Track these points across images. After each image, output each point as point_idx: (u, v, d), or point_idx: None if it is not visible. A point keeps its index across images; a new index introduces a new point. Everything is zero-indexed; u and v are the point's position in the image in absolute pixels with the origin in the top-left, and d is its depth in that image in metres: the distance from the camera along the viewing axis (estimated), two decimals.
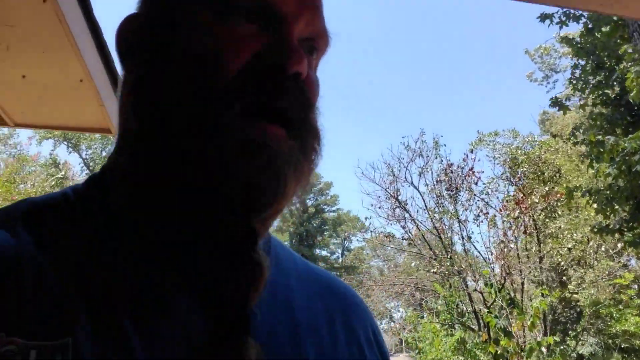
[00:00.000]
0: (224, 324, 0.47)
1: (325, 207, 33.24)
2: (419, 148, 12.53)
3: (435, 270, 11.45)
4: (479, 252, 11.75)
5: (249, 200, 0.49)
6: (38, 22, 1.78)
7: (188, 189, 0.49)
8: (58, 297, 0.45)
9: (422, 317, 12.38)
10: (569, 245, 12.41)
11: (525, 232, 11.52)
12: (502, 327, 7.85)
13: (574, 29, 12.96)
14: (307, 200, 32.43)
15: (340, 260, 32.41)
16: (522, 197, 11.63)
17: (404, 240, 13.39)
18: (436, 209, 12.35)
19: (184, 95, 0.50)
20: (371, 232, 14.73)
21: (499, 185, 13.27)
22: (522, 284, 10.77)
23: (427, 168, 12.47)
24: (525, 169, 13.62)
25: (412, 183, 12.55)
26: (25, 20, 1.79)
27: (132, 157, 0.53)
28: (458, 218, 11.77)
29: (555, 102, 10.90)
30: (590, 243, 12.44)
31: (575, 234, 12.48)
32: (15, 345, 0.42)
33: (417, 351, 11.06)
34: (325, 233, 32.60)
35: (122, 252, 0.50)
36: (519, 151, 14.09)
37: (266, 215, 0.52)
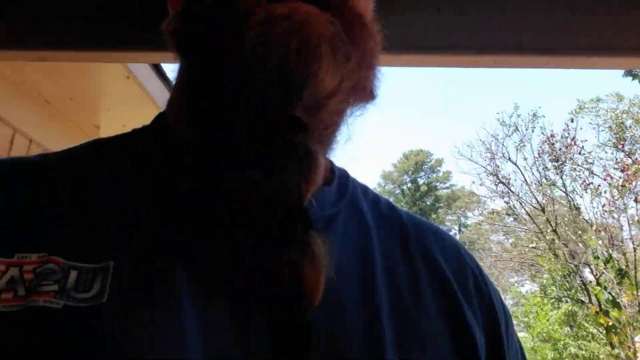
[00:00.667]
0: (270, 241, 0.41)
1: (437, 184, 32.96)
2: (514, 123, 12.46)
3: (534, 245, 11.41)
4: (587, 222, 11.51)
5: (280, 82, 0.43)
6: (126, 90, 2.34)
7: (231, 85, 0.45)
8: (107, 222, 0.45)
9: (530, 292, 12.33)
10: None
11: (636, 200, 11.12)
12: (611, 298, 7.80)
13: None
14: (419, 179, 32.46)
15: (457, 236, 32.10)
16: (629, 164, 11.21)
17: (508, 216, 13.37)
18: (541, 182, 12.23)
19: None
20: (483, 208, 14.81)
21: (605, 152, 12.81)
22: (634, 252, 10.46)
23: (524, 142, 12.38)
24: (633, 133, 12.98)
25: (509, 159, 12.51)
26: (117, 89, 2.33)
27: (186, 72, 0.52)
28: (565, 189, 11.60)
29: (629, 72, 10.43)
30: None
31: None
32: (56, 264, 0.42)
33: (524, 325, 11.09)
34: (439, 210, 32.35)
35: (177, 190, 0.48)
36: (625, 115, 13.41)
37: (310, 103, 0.44)
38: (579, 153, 11.99)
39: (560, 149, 12.01)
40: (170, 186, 0.48)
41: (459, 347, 0.49)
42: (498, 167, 12.67)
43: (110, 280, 0.42)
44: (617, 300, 7.87)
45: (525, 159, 12.38)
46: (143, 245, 0.44)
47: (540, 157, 12.25)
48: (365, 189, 0.59)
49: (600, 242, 10.29)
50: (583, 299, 10.28)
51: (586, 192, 11.60)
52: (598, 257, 8.65)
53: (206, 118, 0.47)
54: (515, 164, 12.45)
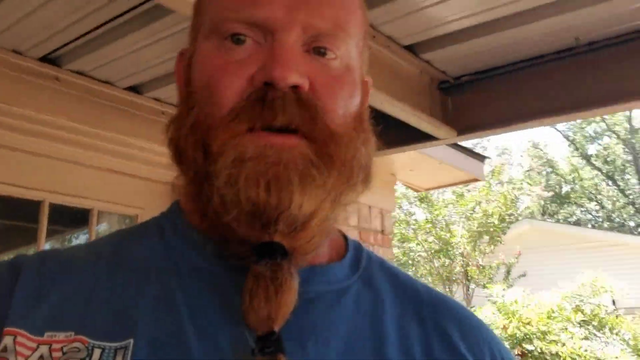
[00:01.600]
0: (260, 340, 0.45)
1: None
2: None
3: None
4: None
5: (255, 215, 0.47)
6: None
7: (212, 205, 0.49)
8: (124, 303, 0.49)
9: None
10: None
11: None
12: None
13: None
14: None
15: None
16: None
17: None
18: None
19: (195, 128, 0.51)
20: None
21: None
22: None
23: None
24: None
25: None
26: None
27: (184, 179, 0.55)
28: None
29: None
30: None
31: None
32: (82, 343, 0.46)
33: None
34: None
35: (183, 265, 0.52)
36: None
37: (288, 229, 0.48)
38: None
39: None
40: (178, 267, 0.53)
41: None
42: None
43: (130, 356, 0.45)
44: None
45: None
46: (159, 321, 0.48)
47: None
48: (382, 262, 0.62)
49: None
50: None
51: None
52: None
53: (210, 226, 0.52)
54: None
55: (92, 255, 0.54)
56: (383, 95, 2.01)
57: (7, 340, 0.47)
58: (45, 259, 0.54)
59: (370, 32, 1.96)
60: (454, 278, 12.82)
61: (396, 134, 2.35)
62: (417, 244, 14.26)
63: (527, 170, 17.57)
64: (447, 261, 13.48)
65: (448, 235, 13.19)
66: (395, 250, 15.04)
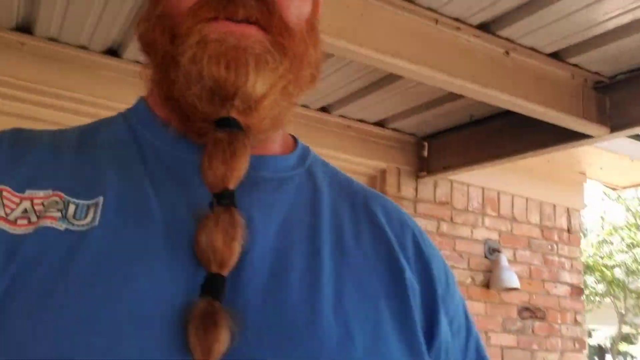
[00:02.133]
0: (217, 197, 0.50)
1: None
2: None
3: None
4: None
5: (214, 91, 0.52)
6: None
7: (175, 85, 0.54)
8: (93, 170, 0.54)
9: None
10: None
11: None
12: None
13: None
14: None
15: None
16: None
17: None
18: None
19: (163, 18, 0.57)
20: None
21: None
22: None
23: None
24: None
25: None
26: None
27: (151, 68, 0.60)
28: None
29: None
30: None
31: None
32: (59, 198, 0.51)
33: None
34: None
35: (148, 140, 0.58)
36: None
37: (243, 106, 0.53)
38: None
39: None
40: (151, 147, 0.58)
41: (391, 284, 0.56)
42: None
43: (100, 211, 0.51)
44: None
45: None
46: (125, 182, 0.54)
47: None
48: (324, 163, 0.68)
49: None
50: None
51: None
52: None
53: (173, 107, 0.57)
54: None
55: (62, 133, 0.61)
56: (529, 104, 2.20)
57: None
58: (21, 131, 0.60)
59: (510, 46, 2.17)
60: None
61: (549, 135, 2.48)
62: None
63: None
64: None
65: None
66: (624, 257, 13.59)
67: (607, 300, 14.45)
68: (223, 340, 0.45)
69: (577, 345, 3.84)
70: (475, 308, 3.47)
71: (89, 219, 0.50)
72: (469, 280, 3.47)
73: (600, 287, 14.53)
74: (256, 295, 0.49)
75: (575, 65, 2.27)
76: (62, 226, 0.49)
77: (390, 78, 2.52)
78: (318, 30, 0.63)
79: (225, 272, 0.47)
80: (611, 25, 1.99)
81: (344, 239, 0.57)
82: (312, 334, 0.49)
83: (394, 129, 3.22)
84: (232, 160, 0.51)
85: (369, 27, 1.94)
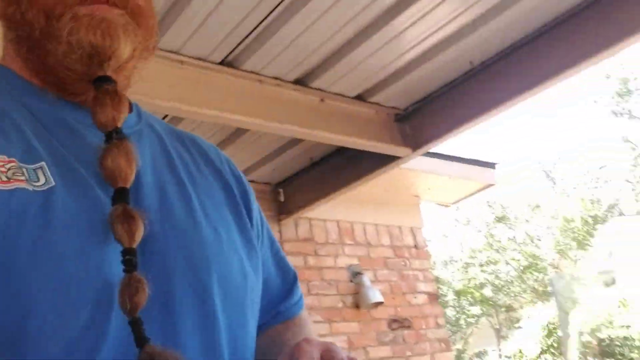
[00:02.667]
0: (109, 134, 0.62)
1: None
2: None
3: None
4: None
5: (92, 55, 0.63)
6: None
7: (54, 54, 0.64)
8: (21, 137, 0.61)
9: None
10: None
11: None
12: None
13: None
14: None
15: None
16: None
17: None
18: None
19: (34, 2, 0.65)
20: None
21: None
22: None
23: None
24: None
25: None
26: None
27: (18, 42, 0.69)
28: None
29: None
30: None
31: None
32: (15, 164, 0.58)
33: None
34: None
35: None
36: None
37: (115, 65, 0.64)
38: None
39: None
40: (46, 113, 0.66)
41: (227, 195, 0.77)
42: None
43: (48, 172, 0.59)
44: None
45: None
46: (49, 150, 0.62)
47: None
48: (153, 115, 0.82)
49: None
50: None
51: None
52: None
53: (48, 74, 0.67)
54: None
55: None
56: (347, 138, 2.75)
57: None
58: None
59: (323, 94, 2.73)
60: (550, 291, 12.63)
61: (373, 162, 3.07)
62: (507, 264, 14.18)
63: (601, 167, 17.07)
64: (539, 275, 13.30)
65: (534, 249, 13.09)
66: (484, 274, 15.01)
67: (483, 319, 15.68)
68: (140, 229, 0.58)
69: (443, 345, 4.38)
70: (351, 328, 3.88)
71: (42, 179, 0.59)
72: (340, 304, 3.89)
73: (475, 310, 15.75)
74: (153, 205, 0.65)
75: (376, 103, 2.88)
76: (30, 187, 0.57)
77: (237, 133, 2.96)
78: (152, 2, 0.74)
79: (128, 185, 0.60)
80: (400, 63, 2.60)
81: (190, 169, 0.75)
82: (198, 235, 0.67)
83: (251, 181, 3.62)
84: (119, 104, 0.64)
85: (208, 92, 2.38)
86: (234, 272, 0.69)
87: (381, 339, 4.01)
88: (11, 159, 0.59)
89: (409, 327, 4.21)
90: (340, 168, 3.31)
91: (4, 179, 0.57)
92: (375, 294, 3.91)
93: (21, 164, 0.59)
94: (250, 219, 0.79)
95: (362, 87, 2.77)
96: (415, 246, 4.49)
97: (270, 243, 0.85)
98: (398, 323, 4.17)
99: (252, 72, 2.50)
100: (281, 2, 2.11)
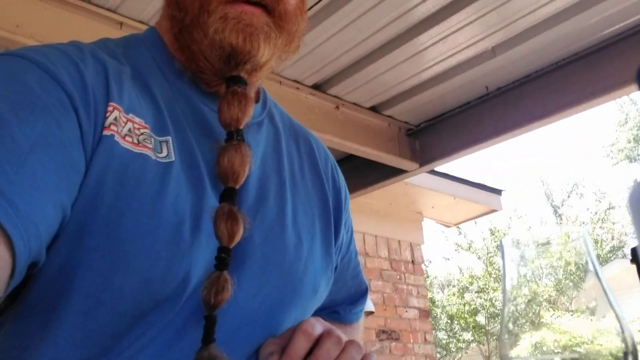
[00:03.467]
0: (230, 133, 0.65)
1: None
2: None
3: None
4: None
5: (232, 56, 0.66)
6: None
7: (199, 44, 0.68)
8: (156, 106, 0.66)
9: None
10: None
11: None
12: None
13: None
14: None
15: None
16: None
17: None
18: None
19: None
20: None
21: None
22: None
23: None
24: None
25: None
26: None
27: (173, 20, 0.72)
28: None
29: None
30: None
31: None
32: (147, 131, 0.62)
33: None
34: None
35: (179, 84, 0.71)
36: None
37: (251, 68, 0.67)
38: None
39: None
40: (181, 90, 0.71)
41: (323, 202, 0.79)
42: None
43: (172, 147, 0.64)
44: None
45: None
46: (176, 128, 0.66)
47: None
48: (275, 103, 0.85)
49: None
50: None
51: None
52: None
53: (190, 59, 0.70)
54: None
55: (112, 56, 0.69)
56: (358, 146, 2.82)
57: (116, 113, 0.61)
58: (105, 60, 0.66)
59: (339, 102, 2.80)
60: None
61: (376, 174, 3.13)
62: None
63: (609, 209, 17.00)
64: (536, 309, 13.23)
65: (533, 285, 13.02)
66: (479, 300, 14.97)
67: (474, 345, 15.62)
68: (240, 231, 0.60)
69: None
70: None
71: (164, 153, 0.63)
72: None
73: (466, 335, 15.69)
74: (249, 201, 0.68)
75: (389, 116, 2.95)
76: (153, 156, 0.61)
77: None
78: (306, 5, 0.77)
79: (237, 187, 0.63)
80: (417, 80, 2.67)
81: (294, 171, 0.77)
82: (282, 239, 0.69)
83: None
84: (245, 106, 0.65)
85: None
86: (305, 282, 0.71)
87: (368, 348, 4.06)
88: (146, 125, 0.63)
89: (397, 339, 4.25)
90: (347, 175, 3.36)
91: (135, 141, 0.60)
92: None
93: (151, 133, 0.63)
94: (337, 233, 0.80)
95: (377, 99, 2.84)
96: (413, 262, 4.54)
97: (353, 255, 0.88)
98: (386, 334, 4.21)
99: (272, 72, 2.57)
100: (308, 9, 2.18)
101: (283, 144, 0.78)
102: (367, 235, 4.29)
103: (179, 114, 0.68)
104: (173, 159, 0.63)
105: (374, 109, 2.91)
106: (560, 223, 15.65)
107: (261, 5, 0.68)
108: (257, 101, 0.78)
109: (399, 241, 4.49)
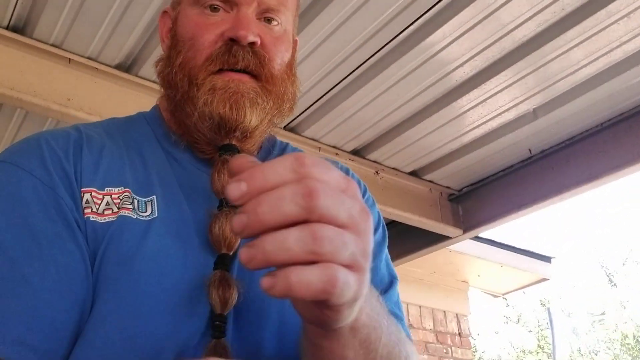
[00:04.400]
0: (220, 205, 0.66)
1: None
2: None
3: None
4: None
5: (221, 125, 0.69)
6: None
7: (191, 118, 0.71)
8: (142, 173, 0.69)
9: None
10: None
11: None
12: None
13: None
14: None
15: None
16: None
17: None
18: None
19: (183, 67, 0.73)
20: None
21: None
22: None
23: None
24: None
25: None
26: None
27: (168, 99, 0.77)
28: None
29: None
30: None
31: None
32: (129, 194, 0.65)
33: None
34: None
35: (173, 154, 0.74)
36: None
37: (241, 135, 0.70)
38: None
39: None
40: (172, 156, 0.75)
41: None
42: None
43: (155, 205, 0.66)
44: None
45: None
46: (164, 186, 0.69)
47: None
48: (285, 147, 0.86)
49: None
50: None
51: None
52: None
53: (185, 133, 0.74)
54: None
55: (110, 137, 0.73)
56: (399, 212, 2.77)
57: (87, 196, 0.64)
58: (90, 138, 0.71)
59: (378, 167, 2.78)
60: None
61: (418, 241, 3.05)
62: None
63: None
64: None
65: None
66: None
67: None
68: (234, 297, 0.61)
69: None
70: None
71: (149, 211, 0.66)
72: None
73: None
74: (242, 271, 0.65)
75: (430, 181, 2.91)
76: (134, 215, 0.65)
77: None
78: (294, 68, 0.81)
79: (231, 252, 0.64)
80: (457, 144, 2.64)
81: None
82: (282, 305, 0.66)
83: None
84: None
85: None
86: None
87: None
88: (126, 189, 0.67)
89: None
90: (389, 242, 3.30)
91: (115, 209, 0.65)
92: None
93: (134, 195, 0.67)
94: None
95: (417, 164, 2.81)
96: (459, 334, 4.32)
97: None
98: None
99: (312, 139, 2.60)
100: (346, 77, 2.22)
101: None
102: (411, 306, 4.14)
103: (171, 176, 0.71)
104: (156, 215, 0.66)
105: (414, 173, 2.88)
106: (616, 292, 14.85)
107: (247, 71, 0.72)
108: (259, 150, 0.80)
109: (444, 312, 4.31)
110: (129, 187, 0.67)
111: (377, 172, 2.78)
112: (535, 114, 2.41)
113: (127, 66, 2.17)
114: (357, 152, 2.72)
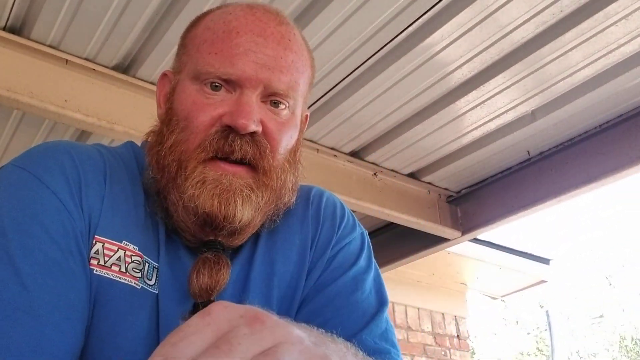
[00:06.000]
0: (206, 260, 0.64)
1: None
2: None
3: None
4: None
5: (207, 222, 0.64)
6: None
7: (175, 207, 0.66)
8: (152, 234, 0.66)
9: None
10: None
11: None
12: None
13: None
14: None
15: None
16: None
17: None
18: None
19: (173, 149, 0.67)
20: None
21: None
22: None
23: None
24: None
25: None
26: None
27: (155, 180, 0.70)
28: None
29: None
30: None
31: None
32: (140, 257, 0.63)
33: None
34: None
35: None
36: None
37: (228, 233, 0.66)
38: None
39: None
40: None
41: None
42: None
43: (160, 277, 0.65)
44: None
45: None
46: (167, 259, 0.67)
47: None
48: (319, 199, 0.80)
49: None
50: None
51: None
52: None
53: (169, 218, 0.69)
54: None
55: (112, 173, 0.69)
56: (397, 214, 2.76)
57: (98, 246, 0.61)
58: (112, 171, 0.69)
59: (377, 168, 2.78)
60: None
61: (417, 242, 3.04)
62: None
63: None
64: None
65: None
66: None
67: None
68: None
69: None
70: None
71: (153, 280, 0.65)
72: None
73: None
74: None
75: (428, 183, 2.91)
76: (139, 285, 0.63)
77: None
78: (299, 153, 0.75)
79: None
80: (456, 146, 2.63)
81: (288, 287, 0.72)
82: None
83: None
84: (217, 275, 0.64)
85: None
86: None
87: None
88: (139, 252, 0.65)
89: None
90: (387, 244, 3.29)
91: (122, 269, 0.63)
92: None
93: (146, 258, 0.65)
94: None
95: (416, 166, 2.80)
96: (458, 336, 4.32)
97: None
98: None
99: (310, 140, 2.59)
100: (345, 78, 2.22)
101: (275, 263, 0.73)
102: (409, 308, 4.13)
103: (165, 253, 0.68)
104: (156, 290, 0.64)
105: (413, 175, 2.87)
106: (614, 294, 14.86)
107: (244, 162, 0.67)
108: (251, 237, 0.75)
109: (442, 314, 4.30)
110: (141, 249, 0.65)
111: (375, 173, 2.78)
112: (533, 115, 2.41)
113: (125, 67, 2.17)
114: (355, 154, 2.72)
